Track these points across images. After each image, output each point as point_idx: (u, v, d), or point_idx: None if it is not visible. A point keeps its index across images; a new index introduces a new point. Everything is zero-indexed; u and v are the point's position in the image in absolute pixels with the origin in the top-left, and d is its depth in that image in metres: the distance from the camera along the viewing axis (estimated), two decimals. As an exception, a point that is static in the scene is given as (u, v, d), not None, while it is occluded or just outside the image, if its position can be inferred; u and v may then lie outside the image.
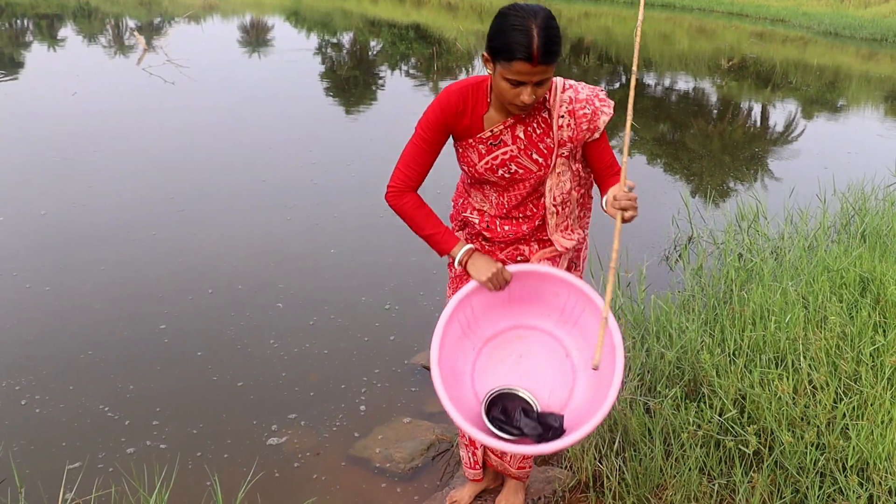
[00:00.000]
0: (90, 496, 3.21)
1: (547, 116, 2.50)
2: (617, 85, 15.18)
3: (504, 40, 2.24)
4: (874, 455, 2.97)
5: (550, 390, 2.61)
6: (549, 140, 2.51)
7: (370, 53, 18.89)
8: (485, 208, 2.68)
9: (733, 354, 3.72)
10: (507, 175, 2.53)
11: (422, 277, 5.29)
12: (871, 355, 3.61)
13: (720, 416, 3.32)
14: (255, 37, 21.02)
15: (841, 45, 23.45)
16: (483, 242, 2.74)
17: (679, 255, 5.49)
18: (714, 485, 3.11)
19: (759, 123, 12.15)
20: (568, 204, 2.64)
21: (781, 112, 12.88)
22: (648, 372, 3.75)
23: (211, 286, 5.17)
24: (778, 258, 5.13)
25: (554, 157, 2.52)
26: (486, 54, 2.35)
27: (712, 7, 32.58)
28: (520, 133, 2.49)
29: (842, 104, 14.23)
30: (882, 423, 3.10)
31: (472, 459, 3.06)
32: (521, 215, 2.65)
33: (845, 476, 2.98)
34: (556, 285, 2.60)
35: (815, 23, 27.21)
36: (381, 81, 14.48)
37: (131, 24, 22.26)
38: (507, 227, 2.67)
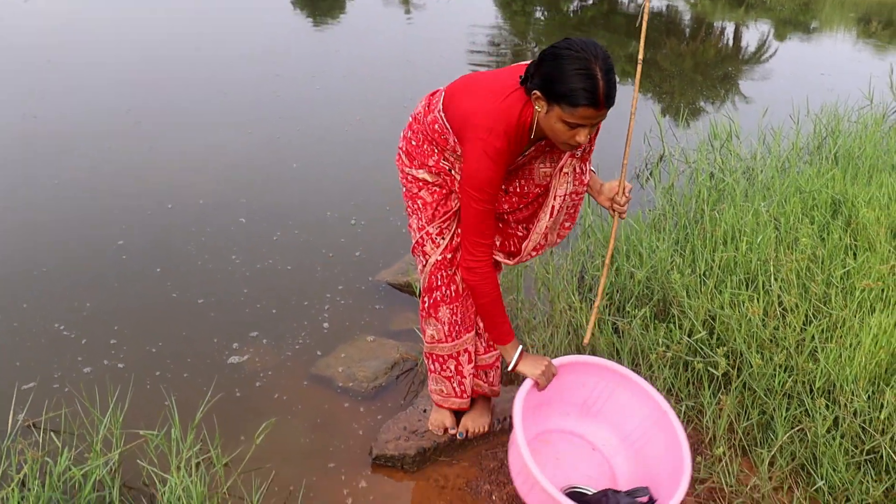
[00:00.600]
0: (42, 417, 3.11)
1: None
2: (589, 0, 14.87)
3: (568, 86, 2.15)
4: (841, 378, 2.95)
5: (594, 481, 2.76)
6: (559, 158, 2.54)
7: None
8: None
9: (704, 275, 3.67)
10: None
11: (389, 193, 5.15)
12: (841, 278, 3.58)
13: (689, 337, 3.28)
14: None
15: (816, -35, 23.08)
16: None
17: (650, 174, 5.41)
18: (682, 406, 3.08)
19: (731, 43, 11.99)
20: (562, 211, 2.65)
21: (754, 32, 12.71)
22: (618, 291, 3.69)
23: (170, 201, 5.01)
24: (750, 178, 5.07)
25: (566, 157, 2.50)
26: (538, 93, 2.23)
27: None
28: (542, 142, 2.48)
29: (815, 26, 14.08)
30: (850, 346, 3.07)
31: (459, 389, 2.99)
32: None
33: (812, 398, 2.96)
34: (587, 374, 2.77)
35: (791, -58, 26.74)
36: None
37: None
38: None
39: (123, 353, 3.62)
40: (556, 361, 2.66)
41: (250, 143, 5.99)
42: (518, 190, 2.58)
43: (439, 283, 2.77)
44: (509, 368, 2.61)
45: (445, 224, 2.69)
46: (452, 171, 2.58)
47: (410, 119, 2.66)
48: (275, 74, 7.70)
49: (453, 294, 2.78)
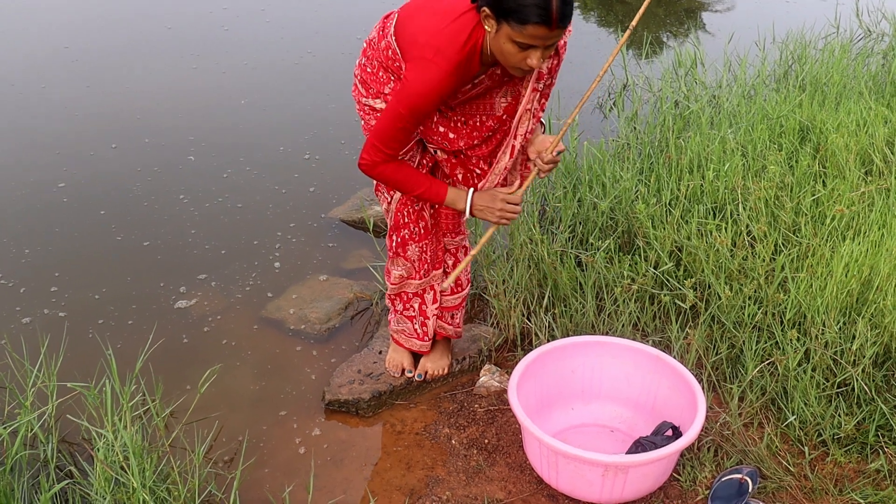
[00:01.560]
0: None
1: None
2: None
3: (517, 1, 1.94)
4: (812, 308, 2.83)
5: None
6: (521, 87, 2.33)
7: None
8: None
9: (669, 205, 3.52)
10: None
11: (344, 126, 4.91)
12: (811, 206, 3.45)
13: (655, 269, 3.14)
14: None
15: None
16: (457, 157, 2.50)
17: (613, 103, 5.23)
18: (649, 341, 2.96)
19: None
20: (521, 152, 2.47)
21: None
22: (580, 223, 3.53)
23: (114, 140, 4.75)
24: (716, 106, 4.90)
25: (529, 91, 2.30)
26: (487, 10, 2.02)
27: None
28: (497, 70, 2.26)
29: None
30: (821, 275, 2.95)
31: (421, 330, 2.85)
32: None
33: (783, 330, 2.84)
34: (570, 357, 2.66)
35: None
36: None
37: None
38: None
39: (65, 300, 3.43)
40: (530, 356, 2.54)
41: (198, 79, 5.70)
42: (477, 124, 2.39)
43: (406, 220, 2.62)
44: (466, 215, 2.45)
45: (408, 156, 2.51)
46: None
47: (365, 45, 2.46)
48: (222, 8, 7.35)
49: (422, 231, 2.63)
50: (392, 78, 2.36)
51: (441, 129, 2.40)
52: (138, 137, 4.81)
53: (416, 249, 2.65)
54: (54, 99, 5.28)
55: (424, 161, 2.57)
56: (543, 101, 2.41)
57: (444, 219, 2.71)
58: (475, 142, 2.42)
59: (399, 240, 2.66)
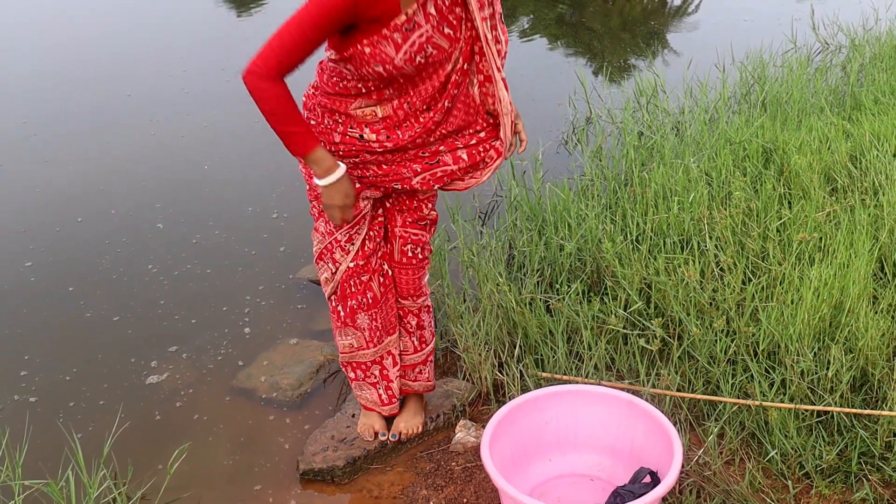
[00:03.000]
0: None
1: None
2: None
3: None
4: (785, 337, 2.81)
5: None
6: (458, 9, 2.15)
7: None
8: (377, 111, 2.25)
9: (636, 240, 3.50)
10: (423, 60, 2.13)
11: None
12: (777, 230, 3.44)
13: (626, 309, 3.11)
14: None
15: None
16: (387, 156, 2.35)
17: (578, 139, 5.23)
18: (624, 381, 2.92)
19: (656, -3, 11.86)
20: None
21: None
22: (548, 266, 3.50)
23: (79, 214, 4.70)
24: (679, 133, 4.91)
25: (478, 21, 2.16)
26: None
27: None
28: (431, 10, 2.10)
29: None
30: (792, 302, 2.93)
31: (386, 395, 2.81)
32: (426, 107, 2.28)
33: (757, 362, 2.81)
34: (542, 409, 2.57)
35: None
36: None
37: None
38: (415, 127, 2.28)
39: (35, 385, 3.36)
40: (501, 411, 2.48)
41: (161, 144, 5.66)
42: (431, 88, 2.24)
43: (353, 289, 2.57)
44: (316, 180, 2.23)
45: (355, 229, 2.48)
46: (364, 136, 2.28)
47: (304, 97, 2.42)
48: (182, 70, 7.34)
49: (371, 300, 2.59)
50: (339, 119, 2.29)
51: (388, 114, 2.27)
52: (104, 209, 4.76)
53: (366, 318, 2.61)
54: (14, 176, 5.23)
55: (378, 219, 2.54)
56: (496, 30, 2.28)
57: (404, 283, 2.67)
58: (437, 104, 2.27)
59: (347, 311, 2.61)
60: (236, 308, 3.78)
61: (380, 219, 2.56)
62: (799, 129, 4.53)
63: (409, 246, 2.61)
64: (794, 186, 3.84)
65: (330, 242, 2.50)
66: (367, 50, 2.09)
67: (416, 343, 2.78)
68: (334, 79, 2.25)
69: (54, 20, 9.60)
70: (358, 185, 2.38)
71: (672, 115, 5.23)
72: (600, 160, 4.58)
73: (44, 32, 9.02)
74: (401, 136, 2.27)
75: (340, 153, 2.34)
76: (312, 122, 2.36)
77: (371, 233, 2.52)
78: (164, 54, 7.97)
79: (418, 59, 2.13)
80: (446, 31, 2.15)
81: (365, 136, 2.29)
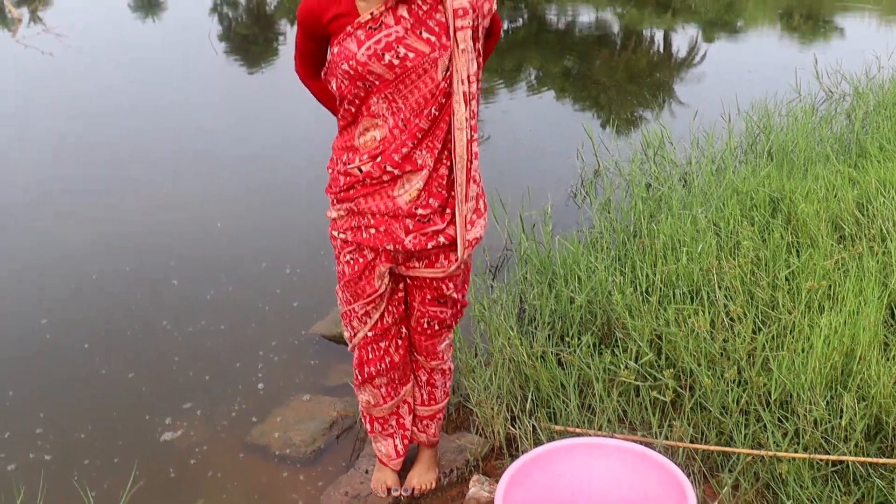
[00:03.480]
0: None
1: None
2: (519, 22, 14.89)
3: None
4: (797, 386, 2.81)
5: None
6: (439, 15, 2.15)
7: (267, 9, 18.17)
8: (376, 135, 2.26)
9: (646, 292, 3.52)
10: (395, 61, 2.13)
11: (323, 236, 4.94)
12: (786, 279, 3.46)
13: (637, 361, 3.12)
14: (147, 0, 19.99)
15: (735, -35, 23.50)
16: (380, 218, 2.35)
17: (586, 192, 5.28)
18: (637, 433, 2.92)
19: (662, 50, 12.02)
20: (477, 103, 2.32)
21: (683, 37, 12.77)
22: (559, 319, 3.52)
23: (94, 272, 4.75)
24: (687, 184, 4.96)
25: (452, 30, 2.14)
26: None
27: (607, -64, 32.47)
28: (403, 13, 2.12)
29: (740, 25, 14.21)
30: (802, 351, 2.93)
31: (402, 446, 2.82)
32: (424, 142, 2.27)
33: (770, 412, 2.81)
34: (555, 463, 2.54)
35: (708, -56, 27.28)
36: (280, 37, 13.89)
37: (8, -6, 20.91)
38: (407, 142, 2.25)
39: (50, 443, 3.37)
40: (514, 465, 2.45)
41: (174, 204, 5.73)
42: (422, 98, 2.22)
43: (370, 356, 2.60)
44: None
45: (371, 305, 2.50)
46: (361, 168, 2.29)
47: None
48: (195, 129, 7.47)
49: (388, 365, 2.62)
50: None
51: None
52: (119, 267, 4.81)
53: (384, 380, 2.63)
54: (29, 235, 5.29)
55: (398, 294, 2.57)
56: (478, 42, 2.25)
57: (419, 345, 2.67)
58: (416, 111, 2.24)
59: (364, 375, 2.63)
60: (250, 364, 3.80)
61: (400, 294, 2.57)
62: (805, 177, 4.57)
63: (425, 320, 2.62)
64: (801, 235, 3.87)
65: (349, 310, 2.53)
66: (335, 50, 2.18)
67: (424, 397, 2.79)
68: (339, 114, 2.33)
69: (68, 82, 9.79)
70: (372, 259, 2.42)
71: (679, 167, 5.28)
72: (609, 212, 4.62)
73: (57, 94, 9.19)
74: (395, 158, 2.26)
75: (342, 203, 2.39)
76: (329, 170, 2.42)
77: (390, 307, 2.53)
78: (177, 113, 8.12)
79: (388, 57, 2.12)
80: (425, 35, 2.14)
81: (363, 167, 2.29)
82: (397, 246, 2.35)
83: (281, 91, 8.86)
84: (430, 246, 2.36)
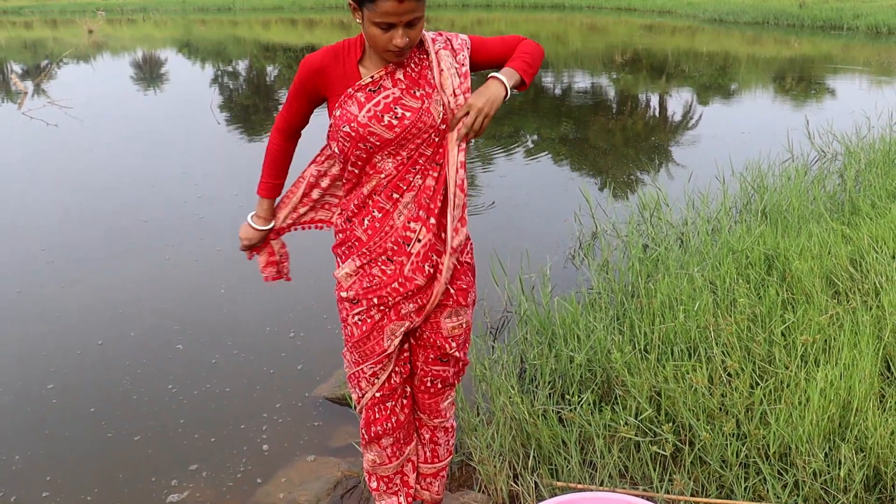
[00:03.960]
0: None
1: (424, 56, 2.34)
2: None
3: None
4: (795, 439, 2.85)
5: None
6: (429, 75, 2.32)
7: (267, 79, 18.54)
8: (376, 188, 2.38)
9: (644, 350, 3.58)
10: (395, 122, 2.26)
11: (324, 300, 5.04)
12: (782, 334, 3.51)
13: (637, 417, 3.16)
14: (149, 72, 20.42)
15: (726, 31, 24.03)
16: (383, 304, 2.45)
17: (584, 253, 5.36)
18: (639, 488, 2.95)
19: (657, 114, 12.25)
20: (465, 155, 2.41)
21: (678, 101, 13.01)
22: (559, 378, 3.57)
23: (99, 337, 4.82)
24: (683, 244, 5.04)
25: (437, 80, 2.31)
26: (352, 3, 2.20)
27: (601, 4, 33.22)
28: (399, 76, 2.30)
29: (734, 88, 14.48)
30: (800, 404, 2.98)
31: (406, 503, 2.84)
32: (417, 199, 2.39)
33: (769, 464, 2.85)
34: None
35: (700, 11, 27.93)
36: (279, 106, 14.16)
37: (16, 68, 21.37)
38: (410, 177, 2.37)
39: (57, 506, 3.40)
40: None
41: (178, 269, 5.83)
42: (405, 161, 2.35)
43: (377, 416, 2.64)
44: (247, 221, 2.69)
45: (380, 366, 2.56)
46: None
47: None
48: (196, 196, 7.60)
49: (394, 424, 2.66)
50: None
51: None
52: (124, 332, 4.88)
53: (391, 440, 2.68)
54: (34, 301, 5.36)
55: (404, 355, 2.63)
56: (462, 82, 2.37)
57: (421, 403, 2.72)
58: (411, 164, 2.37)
59: (371, 435, 2.67)
60: (255, 426, 3.84)
61: (406, 354, 2.64)
62: (799, 235, 4.65)
63: (428, 379, 2.68)
64: (796, 291, 3.93)
65: (357, 371, 2.59)
66: (337, 113, 2.30)
67: (428, 455, 2.83)
68: (344, 177, 2.44)
69: (73, 153, 9.98)
70: (380, 319, 2.48)
71: (675, 227, 5.37)
72: (607, 273, 4.69)
73: (62, 165, 9.37)
74: (401, 186, 2.37)
75: (350, 257, 2.47)
76: (344, 224, 2.49)
77: (397, 367, 2.59)
78: (179, 181, 8.28)
79: (387, 118, 2.25)
80: (418, 93, 2.29)
81: (366, 232, 2.43)
82: (407, 287, 2.42)
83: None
84: (426, 268, 2.42)
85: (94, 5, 44.32)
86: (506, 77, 2.34)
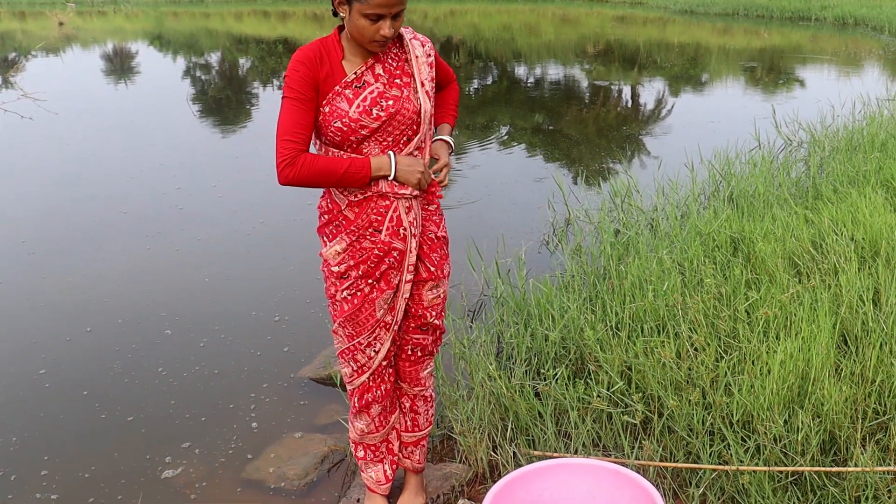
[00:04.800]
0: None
1: (399, 49, 2.54)
2: (489, 80, 15.32)
3: None
4: (757, 406, 3.03)
5: None
6: (405, 66, 2.53)
7: (240, 71, 18.57)
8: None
9: (616, 328, 3.75)
10: (382, 113, 2.44)
11: (306, 286, 5.20)
12: (746, 311, 3.70)
13: (608, 389, 3.33)
14: (120, 64, 20.38)
15: (697, 22, 24.30)
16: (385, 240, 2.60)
17: (558, 239, 5.54)
18: (611, 456, 3.12)
19: (629, 104, 12.44)
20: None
21: (650, 91, 13.22)
22: (535, 355, 3.74)
23: (88, 324, 4.93)
24: (653, 229, 5.23)
25: (417, 77, 2.53)
26: None
27: (573, -4, 33.42)
28: (379, 70, 2.48)
29: (704, 78, 14.72)
30: (761, 374, 3.16)
31: (391, 471, 2.99)
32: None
33: (733, 431, 3.03)
34: (536, 482, 2.70)
35: (671, 3, 28.19)
36: (253, 99, 14.24)
37: (-16, 62, 21.21)
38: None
39: (56, 482, 3.50)
40: (498, 485, 2.60)
41: (159, 259, 5.94)
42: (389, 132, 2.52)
43: (371, 384, 2.79)
44: (392, 176, 2.49)
45: (374, 335, 2.70)
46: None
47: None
48: (175, 189, 7.70)
49: (384, 392, 2.82)
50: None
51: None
52: (111, 319, 4.99)
53: (379, 407, 2.84)
54: (17, 291, 5.45)
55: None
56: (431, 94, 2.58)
57: (402, 372, 2.88)
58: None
59: (363, 402, 2.82)
60: (243, 405, 3.98)
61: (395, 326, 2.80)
62: (764, 219, 4.85)
63: (409, 347, 2.85)
64: (760, 271, 4.13)
65: (353, 345, 2.73)
66: (327, 109, 2.44)
67: (409, 423, 2.99)
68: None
69: (49, 144, 10.02)
70: (369, 291, 2.63)
71: (646, 213, 5.56)
72: (580, 257, 4.87)
73: (39, 155, 9.42)
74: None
75: (339, 233, 2.61)
76: (321, 209, 2.65)
77: (394, 337, 2.76)
78: (157, 173, 8.37)
79: (375, 111, 2.43)
80: (398, 82, 2.50)
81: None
82: (381, 247, 2.57)
83: (254, 150, 9.13)
84: (400, 231, 2.58)
85: (64, -3, 43.95)
86: (449, 139, 2.76)
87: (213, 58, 21.35)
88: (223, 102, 14.00)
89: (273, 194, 7.24)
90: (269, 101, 13.39)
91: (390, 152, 2.50)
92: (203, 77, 17.71)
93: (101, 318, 5.00)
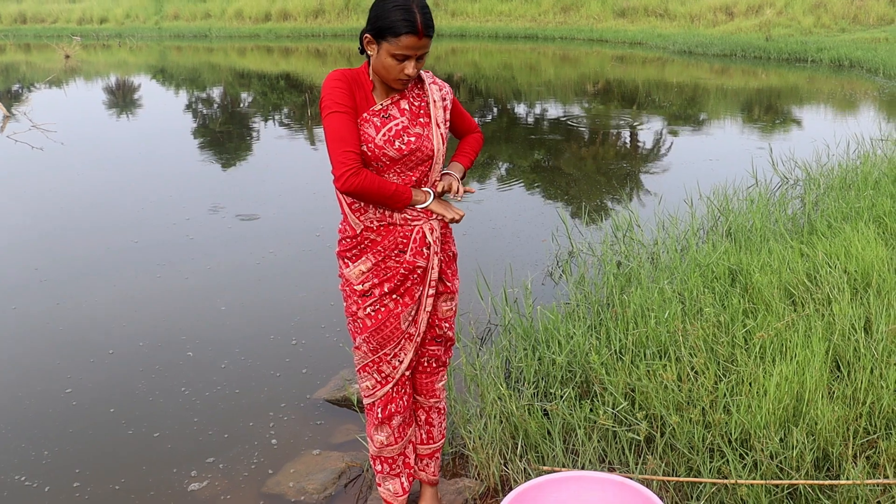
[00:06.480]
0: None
1: (420, 91, 2.76)
2: (489, 117, 15.59)
3: (390, 19, 2.49)
4: (754, 425, 3.21)
5: None
6: (425, 109, 2.75)
7: (242, 106, 18.86)
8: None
9: (619, 352, 3.94)
10: (403, 147, 2.65)
11: (320, 310, 5.40)
12: (743, 338, 3.88)
13: (613, 409, 3.51)
14: (122, 98, 20.68)
15: (696, 63, 24.70)
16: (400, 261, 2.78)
17: (562, 270, 5.73)
18: (616, 472, 3.29)
19: (629, 142, 12.69)
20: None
21: (649, 130, 13.47)
22: (542, 378, 3.92)
23: (109, 347, 5.11)
24: (654, 262, 5.43)
25: (434, 119, 2.74)
26: (369, 36, 2.58)
27: (573, 35, 33.91)
28: (405, 106, 2.70)
29: (703, 117, 14.99)
30: (758, 395, 3.35)
31: (408, 483, 3.14)
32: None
33: (731, 448, 3.20)
34: (547, 494, 2.85)
35: (670, 43, 28.64)
36: (254, 133, 14.49)
37: (-9, 93, 21.52)
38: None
39: (88, 494, 3.65)
40: (510, 496, 2.74)
41: (169, 287, 6.12)
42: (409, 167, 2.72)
43: (395, 395, 2.96)
44: (425, 205, 2.73)
45: (399, 346, 2.87)
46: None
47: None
48: (185, 219, 7.91)
49: (405, 403, 3.00)
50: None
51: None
52: (132, 342, 5.17)
53: (400, 419, 3.01)
54: (31, 317, 5.63)
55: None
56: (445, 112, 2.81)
57: (419, 384, 3.07)
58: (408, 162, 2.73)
59: (386, 413, 2.99)
60: (263, 424, 4.16)
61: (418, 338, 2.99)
62: (760, 252, 5.06)
63: (425, 359, 3.04)
64: (757, 301, 4.32)
65: (378, 357, 2.90)
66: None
67: (424, 436, 3.16)
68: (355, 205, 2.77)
69: (61, 175, 10.24)
70: (394, 307, 2.82)
71: (647, 246, 5.76)
72: (584, 287, 5.06)
73: (51, 187, 9.63)
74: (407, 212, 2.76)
75: (362, 254, 2.80)
76: (341, 233, 2.85)
77: (416, 348, 2.95)
78: (166, 205, 8.58)
79: (397, 143, 2.64)
80: (420, 121, 2.72)
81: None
82: (406, 266, 2.76)
83: (262, 179, 9.34)
84: (424, 251, 2.78)
85: (70, 30, 44.47)
86: (455, 172, 2.91)
87: (216, 92, 21.64)
88: (225, 136, 14.24)
89: (280, 225, 7.46)
90: (269, 136, 13.65)
91: (428, 188, 2.76)
92: (205, 111, 18.00)
93: (121, 342, 5.18)
